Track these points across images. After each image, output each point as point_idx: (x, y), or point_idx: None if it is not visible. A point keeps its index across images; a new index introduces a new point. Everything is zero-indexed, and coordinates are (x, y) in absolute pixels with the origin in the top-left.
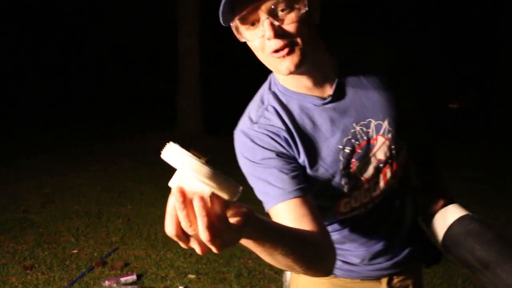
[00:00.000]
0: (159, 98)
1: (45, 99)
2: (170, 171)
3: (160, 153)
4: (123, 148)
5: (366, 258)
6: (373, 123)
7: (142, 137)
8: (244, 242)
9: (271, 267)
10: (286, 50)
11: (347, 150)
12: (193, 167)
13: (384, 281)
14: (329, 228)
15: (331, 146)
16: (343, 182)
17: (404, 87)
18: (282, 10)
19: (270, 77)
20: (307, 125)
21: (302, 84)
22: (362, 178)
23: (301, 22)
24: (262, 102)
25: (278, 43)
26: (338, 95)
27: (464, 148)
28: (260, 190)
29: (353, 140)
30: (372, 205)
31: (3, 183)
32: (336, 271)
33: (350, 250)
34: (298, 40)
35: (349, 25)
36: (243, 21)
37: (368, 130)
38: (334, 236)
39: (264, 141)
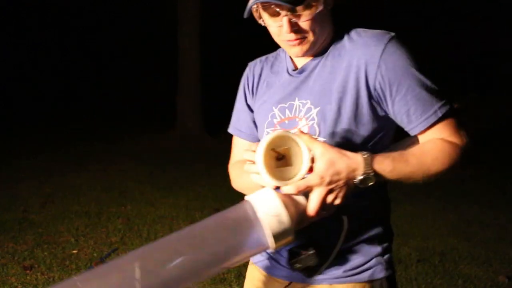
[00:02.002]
0: (159, 98)
1: (45, 99)
2: (169, 171)
3: (160, 153)
4: (123, 148)
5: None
6: (308, 105)
7: (142, 137)
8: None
9: None
10: (299, 41)
11: (277, 114)
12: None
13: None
14: None
15: (269, 103)
16: (264, 136)
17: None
18: (301, 7)
19: None
20: (273, 79)
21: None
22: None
23: (316, 18)
24: (272, 53)
25: (292, 36)
26: (303, 70)
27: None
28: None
29: (287, 110)
30: None
31: (3, 183)
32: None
33: None
34: (311, 34)
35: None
36: (266, 9)
37: (302, 109)
38: None
39: (243, 78)
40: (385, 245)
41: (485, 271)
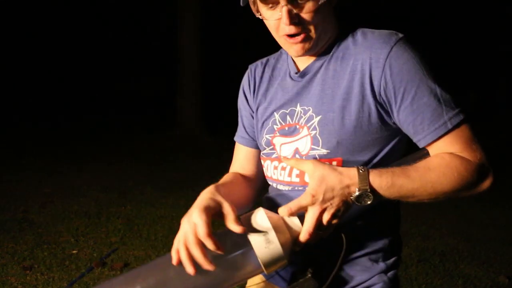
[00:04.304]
0: (159, 98)
1: (45, 99)
2: (169, 171)
3: (160, 153)
4: (123, 148)
5: None
6: (309, 112)
7: (142, 137)
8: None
9: None
10: (300, 38)
11: (277, 120)
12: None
13: None
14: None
15: (270, 109)
16: (263, 143)
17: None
18: None
19: None
20: (274, 83)
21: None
22: (277, 155)
23: (318, 11)
24: (272, 55)
25: (292, 29)
26: (305, 73)
27: None
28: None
29: (288, 116)
30: (289, 187)
31: (3, 183)
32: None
33: None
34: (312, 28)
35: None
36: (263, 1)
37: (303, 115)
38: None
39: (244, 82)
40: (391, 260)
41: (485, 271)
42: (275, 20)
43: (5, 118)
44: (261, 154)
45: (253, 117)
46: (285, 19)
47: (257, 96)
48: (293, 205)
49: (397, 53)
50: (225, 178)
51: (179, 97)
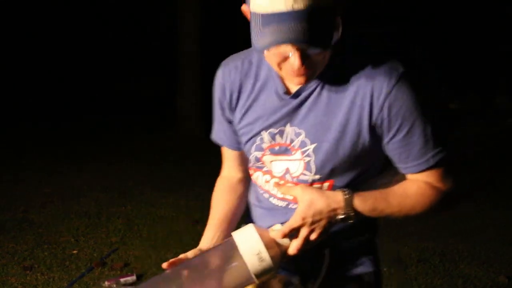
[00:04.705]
0: (159, 98)
1: (45, 99)
2: (169, 171)
3: (160, 153)
4: (123, 148)
5: None
6: (302, 137)
7: (142, 137)
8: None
9: None
10: (304, 72)
11: (266, 139)
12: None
13: None
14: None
15: (257, 127)
16: (252, 158)
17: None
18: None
19: None
20: (258, 97)
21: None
22: (268, 169)
23: (324, 58)
24: (248, 53)
25: (302, 70)
26: (298, 95)
27: (464, 148)
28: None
29: (277, 136)
30: (284, 203)
31: (3, 183)
32: None
33: None
34: (317, 66)
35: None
36: (274, 55)
37: (294, 137)
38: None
39: (217, 86)
40: (371, 257)
41: (485, 271)
42: (279, 57)
43: (5, 118)
44: (251, 165)
45: (231, 123)
46: (297, 62)
47: (236, 108)
48: (285, 228)
49: (397, 93)
50: (219, 204)
51: (179, 97)
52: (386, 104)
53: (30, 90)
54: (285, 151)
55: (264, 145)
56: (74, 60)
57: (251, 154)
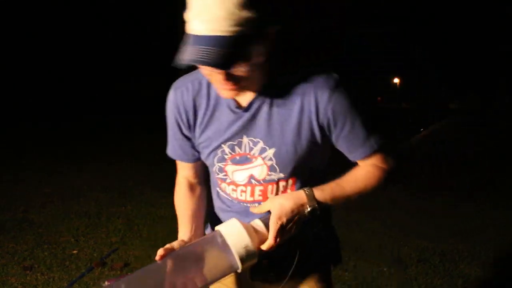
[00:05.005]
0: (159, 98)
1: (45, 99)
2: (169, 171)
3: (160, 153)
4: (123, 148)
5: None
6: (260, 145)
7: (142, 137)
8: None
9: None
10: (231, 86)
11: (226, 151)
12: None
13: None
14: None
15: (217, 141)
16: (215, 169)
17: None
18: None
19: None
20: (214, 114)
21: None
22: (231, 180)
23: (248, 72)
24: (196, 75)
25: (228, 84)
26: (249, 108)
27: (464, 148)
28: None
29: (236, 147)
30: (246, 205)
31: (3, 183)
32: None
33: None
34: (243, 82)
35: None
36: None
37: (253, 146)
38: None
39: (172, 107)
40: (333, 245)
41: (485, 271)
42: (207, 71)
43: (5, 118)
44: (217, 176)
45: (189, 139)
46: (220, 79)
47: (194, 126)
48: (272, 234)
49: (337, 96)
50: (184, 204)
51: None
52: (330, 106)
53: (30, 90)
54: (245, 160)
55: (226, 156)
56: (74, 60)
57: (214, 165)
